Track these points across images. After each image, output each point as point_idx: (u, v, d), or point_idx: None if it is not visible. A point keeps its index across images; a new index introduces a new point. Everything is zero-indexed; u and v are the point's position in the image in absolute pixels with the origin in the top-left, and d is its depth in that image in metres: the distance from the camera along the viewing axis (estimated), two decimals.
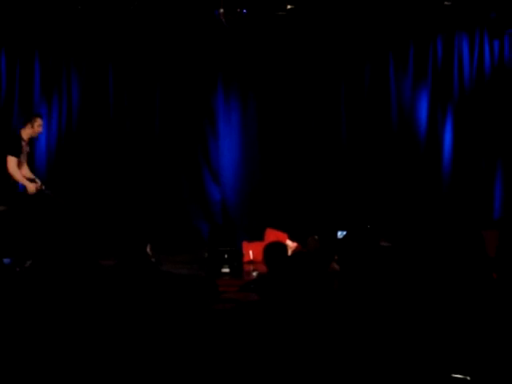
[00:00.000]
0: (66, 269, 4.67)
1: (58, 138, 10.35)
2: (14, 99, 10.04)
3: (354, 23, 10.03)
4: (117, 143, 10.52)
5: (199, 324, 3.87)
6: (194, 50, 10.52)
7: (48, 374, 3.62)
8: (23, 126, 8.65)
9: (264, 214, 10.51)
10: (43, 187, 8.68)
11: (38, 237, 8.54)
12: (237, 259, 8.88)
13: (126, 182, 10.51)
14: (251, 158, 10.79)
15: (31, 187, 8.50)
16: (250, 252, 9.43)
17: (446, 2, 9.40)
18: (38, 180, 8.77)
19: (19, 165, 8.47)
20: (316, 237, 8.00)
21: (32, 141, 8.95)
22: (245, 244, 9.53)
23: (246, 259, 9.31)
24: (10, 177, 8.42)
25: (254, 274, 8.24)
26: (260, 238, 9.78)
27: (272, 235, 9.64)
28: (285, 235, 9.67)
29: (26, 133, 8.59)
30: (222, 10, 9.45)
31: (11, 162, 8.30)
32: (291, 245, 9.03)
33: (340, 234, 8.90)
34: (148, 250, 5.69)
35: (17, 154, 8.38)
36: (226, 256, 8.80)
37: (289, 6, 9.57)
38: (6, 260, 7.94)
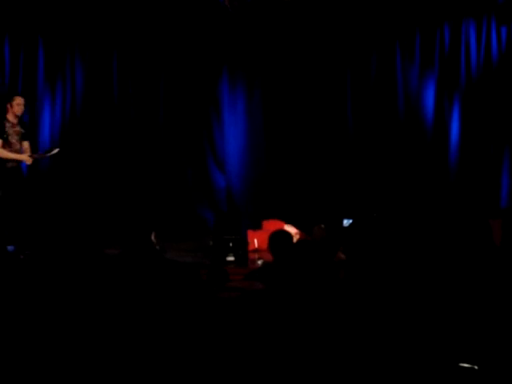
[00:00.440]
0: (69, 257, 4.66)
1: (62, 124, 10.32)
2: (18, 86, 10.00)
3: (360, 11, 9.99)
4: (121, 131, 10.52)
5: (204, 312, 3.85)
6: (199, 37, 10.49)
7: (53, 363, 3.60)
8: (6, 107, 8.73)
9: (269, 202, 10.50)
10: (40, 153, 8.79)
11: (39, 224, 8.55)
12: (242, 247, 8.86)
13: (131, 170, 10.51)
14: (256, 146, 10.78)
15: (24, 157, 8.62)
16: (255, 240, 9.40)
17: None
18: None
19: (10, 145, 8.53)
20: (322, 225, 7.96)
21: (22, 121, 8.87)
22: (250, 232, 9.50)
23: (250, 247, 9.28)
24: (3, 161, 8.50)
25: (259, 262, 8.22)
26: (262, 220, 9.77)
27: (270, 225, 9.60)
28: (282, 223, 9.63)
29: (9, 114, 8.66)
30: None
31: None
32: (293, 231, 9.00)
33: (346, 223, 8.88)
34: (153, 237, 5.66)
35: None
36: (230, 244, 8.78)
37: None
38: (9, 247, 7.95)
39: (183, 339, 3.64)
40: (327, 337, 3.45)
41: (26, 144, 8.84)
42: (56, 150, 8.88)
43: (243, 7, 9.49)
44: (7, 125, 8.59)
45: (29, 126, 9.06)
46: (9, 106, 8.69)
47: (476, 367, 3.43)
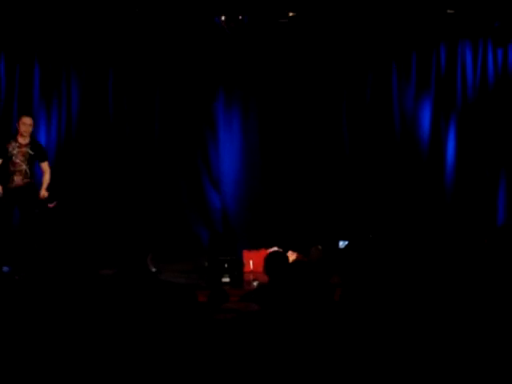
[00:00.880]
0: (64, 278, 4.64)
1: (58, 142, 10.31)
2: (14, 104, 10.01)
3: (356, 32, 10.01)
4: (116, 149, 10.49)
5: (200, 334, 3.83)
6: (195, 56, 10.49)
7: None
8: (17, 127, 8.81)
9: (265, 223, 10.47)
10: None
11: (35, 245, 8.53)
12: (237, 269, 8.84)
13: (126, 189, 10.48)
14: (252, 166, 10.76)
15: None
16: (251, 262, 9.36)
17: (448, 11, 9.37)
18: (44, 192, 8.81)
19: (15, 165, 8.56)
20: (320, 247, 7.96)
21: (34, 143, 8.88)
22: (245, 253, 9.47)
23: (246, 269, 9.24)
24: (6, 182, 8.55)
25: (255, 283, 8.20)
26: (261, 246, 9.70)
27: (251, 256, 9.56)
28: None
29: (19, 134, 8.70)
30: (223, 18, 9.44)
31: None
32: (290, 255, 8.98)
33: (342, 244, 8.87)
34: (149, 259, 5.65)
35: None
36: (226, 265, 8.76)
37: (291, 14, 9.55)
38: (4, 268, 7.92)
39: (178, 360, 3.62)
40: (322, 358, 3.44)
41: (44, 165, 8.92)
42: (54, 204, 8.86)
43: (240, 28, 9.54)
44: (14, 145, 8.57)
45: (41, 148, 9.04)
46: (17, 125, 8.72)
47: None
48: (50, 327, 3.83)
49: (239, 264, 8.97)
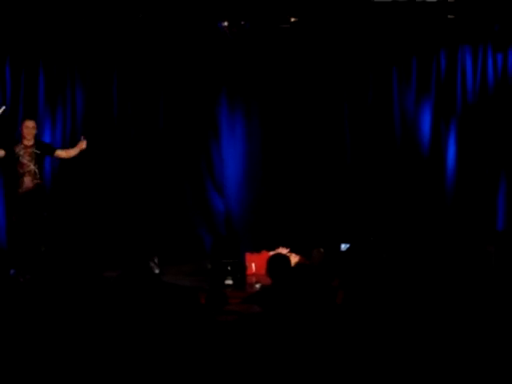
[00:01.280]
0: (68, 280, 4.68)
1: (63, 146, 10.26)
2: (19, 108, 10.06)
3: (357, 37, 10.04)
4: (121, 152, 10.53)
5: (202, 335, 3.87)
6: (198, 61, 10.52)
7: None
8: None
9: (268, 226, 10.50)
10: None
11: (42, 248, 8.58)
12: (240, 271, 8.87)
13: (130, 192, 10.51)
14: (255, 170, 10.79)
15: (80, 148, 9.11)
16: (253, 264, 9.40)
17: (449, 16, 9.41)
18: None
19: (22, 166, 8.65)
20: (322, 249, 7.99)
21: (38, 143, 8.98)
22: (248, 256, 9.51)
23: (249, 271, 9.28)
24: (16, 187, 8.64)
25: (257, 286, 8.23)
26: (263, 249, 9.75)
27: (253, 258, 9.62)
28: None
29: (23, 137, 8.84)
30: (226, 23, 9.49)
31: None
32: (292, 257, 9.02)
33: (344, 247, 8.90)
34: (154, 261, 5.70)
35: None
36: (229, 268, 8.80)
37: (292, 19, 9.60)
38: (11, 271, 7.96)
39: (181, 361, 3.66)
40: (324, 360, 3.47)
41: (59, 152, 9.14)
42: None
43: (242, 33, 9.58)
44: (20, 147, 8.71)
45: (46, 143, 9.23)
46: (21, 129, 8.89)
47: None
48: (54, 329, 3.87)
49: (242, 266, 9.00)
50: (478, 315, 3.89)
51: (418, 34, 9.89)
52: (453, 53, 10.05)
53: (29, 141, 8.76)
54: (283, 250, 9.27)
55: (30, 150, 8.73)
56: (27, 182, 8.69)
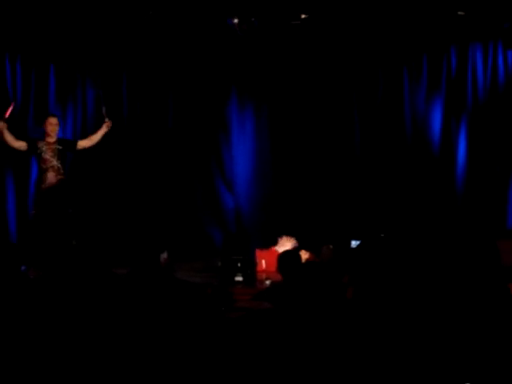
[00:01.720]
0: (78, 277, 4.69)
1: None
2: (30, 107, 10.10)
3: (367, 34, 10.04)
4: (131, 151, 10.57)
5: (212, 332, 3.87)
6: (207, 58, 10.56)
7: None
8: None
9: (277, 223, 10.52)
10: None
11: (51, 244, 8.61)
12: (250, 268, 8.89)
13: (140, 190, 10.55)
14: (265, 167, 10.82)
15: (105, 128, 9.25)
16: (263, 261, 9.42)
17: (459, 13, 9.39)
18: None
19: (45, 162, 8.74)
20: (331, 246, 7.99)
21: (60, 139, 9.07)
22: (258, 252, 9.53)
23: (259, 268, 9.30)
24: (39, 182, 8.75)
25: (267, 282, 8.25)
26: (274, 246, 9.76)
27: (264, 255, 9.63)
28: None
29: (46, 134, 8.91)
30: (235, 20, 9.49)
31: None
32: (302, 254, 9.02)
33: (354, 244, 8.90)
34: (164, 256, 5.71)
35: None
36: (239, 264, 8.82)
37: (303, 16, 9.59)
38: (22, 267, 7.99)
39: (190, 359, 3.66)
40: (335, 358, 3.47)
41: (82, 142, 9.20)
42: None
43: (252, 30, 9.58)
44: (42, 143, 8.81)
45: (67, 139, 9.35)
46: (44, 126, 8.95)
47: None
48: (63, 327, 3.88)
49: (252, 263, 9.02)
50: (489, 312, 3.88)
51: (428, 31, 9.86)
52: (463, 50, 10.03)
53: (52, 137, 8.85)
54: (288, 242, 9.29)
55: (52, 147, 8.80)
56: (50, 177, 8.75)
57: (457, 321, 3.80)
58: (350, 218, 10.37)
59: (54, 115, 9.18)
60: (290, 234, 9.98)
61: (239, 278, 8.72)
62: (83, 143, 9.20)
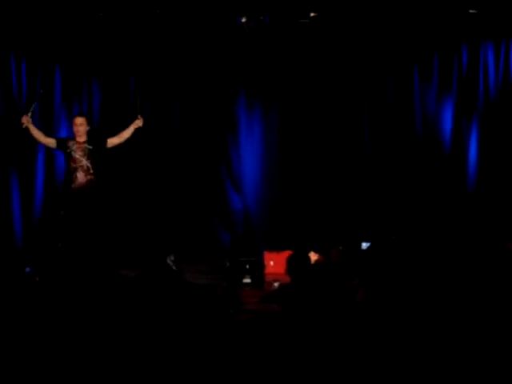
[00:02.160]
0: (85, 279, 4.67)
1: None
2: (35, 108, 10.04)
3: (378, 33, 9.99)
4: (138, 152, 10.52)
5: (220, 334, 3.84)
6: (215, 58, 10.51)
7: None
8: None
9: (286, 224, 10.48)
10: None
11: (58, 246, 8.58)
12: (258, 269, 8.85)
13: (147, 191, 10.52)
14: (273, 168, 10.78)
15: (136, 125, 9.07)
16: (271, 262, 9.37)
17: (470, 11, 9.33)
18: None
19: (75, 161, 8.61)
20: (341, 248, 7.93)
21: (91, 139, 8.87)
22: (266, 254, 9.48)
23: (267, 270, 9.25)
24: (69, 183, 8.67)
25: (276, 284, 8.19)
26: (282, 247, 9.71)
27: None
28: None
29: (75, 135, 8.81)
30: (244, 19, 9.44)
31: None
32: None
33: (364, 245, 8.85)
34: (171, 259, 5.67)
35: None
36: (247, 266, 8.79)
37: (312, 14, 9.54)
38: (26, 269, 7.96)
39: (199, 360, 3.63)
40: (343, 360, 3.43)
41: (112, 140, 8.97)
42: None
43: (260, 29, 9.53)
44: (72, 142, 8.70)
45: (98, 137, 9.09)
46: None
47: None
48: (70, 328, 3.85)
49: (260, 265, 8.98)
50: (500, 313, 3.84)
51: (439, 29, 9.83)
52: (475, 49, 9.97)
53: (80, 137, 8.71)
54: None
55: (82, 146, 8.70)
56: (80, 177, 8.66)
57: (467, 322, 3.77)
58: (360, 219, 10.32)
59: (78, 115, 9.08)
60: (298, 235, 9.95)
61: (247, 280, 8.69)
62: (113, 141, 8.97)
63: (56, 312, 4.06)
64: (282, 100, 10.77)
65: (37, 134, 8.69)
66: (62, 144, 8.69)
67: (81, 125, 8.76)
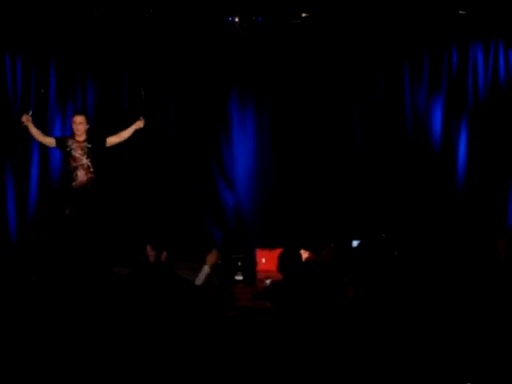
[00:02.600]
0: (78, 276, 4.68)
1: None
2: (30, 106, 10.07)
3: (369, 32, 10.04)
4: (131, 150, 10.54)
5: (212, 332, 3.87)
6: (208, 57, 10.52)
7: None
8: None
9: (278, 222, 10.52)
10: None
11: (51, 245, 8.60)
12: (250, 266, 8.88)
13: (140, 189, 10.53)
14: (265, 166, 10.81)
15: (137, 126, 9.03)
16: (263, 260, 9.41)
17: (460, 11, 9.40)
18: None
19: (75, 160, 8.60)
20: (332, 245, 7.98)
21: (91, 137, 8.84)
22: (258, 251, 9.52)
23: (259, 267, 9.29)
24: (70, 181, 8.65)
25: (268, 281, 8.24)
26: (274, 245, 9.76)
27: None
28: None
29: (74, 133, 8.78)
30: (236, 19, 9.49)
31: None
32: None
33: (355, 243, 8.89)
34: (163, 256, 5.70)
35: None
36: (239, 263, 8.81)
37: (304, 14, 9.59)
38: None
39: (192, 359, 3.66)
40: (335, 357, 3.47)
41: (111, 139, 8.93)
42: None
43: (253, 29, 9.58)
44: (72, 141, 8.66)
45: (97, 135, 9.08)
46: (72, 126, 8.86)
47: None
48: (63, 327, 3.88)
49: (252, 262, 9.00)
50: (489, 311, 3.88)
51: (429, 29, 9.88)
52: (464, 49, 10.05)
53: (80, 136, 8.67)
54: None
55: (82, 145, 8.68)
56: (81, 175, 8.63)
57: (457, 320, 3.80)
58: (351, 217, 10.37)
59: (78, 113, 9.02)
60: (290, 233, 9.99)
61: (239, 277, 8.71)
62: (112, 140, 8.92)
63: (50, 309, 4.08)
64: (275, 98, 10.80)
65: (36, 133, 8.68)
66: (62, 143, 8.65)
67: (80, 123, 8.73)
